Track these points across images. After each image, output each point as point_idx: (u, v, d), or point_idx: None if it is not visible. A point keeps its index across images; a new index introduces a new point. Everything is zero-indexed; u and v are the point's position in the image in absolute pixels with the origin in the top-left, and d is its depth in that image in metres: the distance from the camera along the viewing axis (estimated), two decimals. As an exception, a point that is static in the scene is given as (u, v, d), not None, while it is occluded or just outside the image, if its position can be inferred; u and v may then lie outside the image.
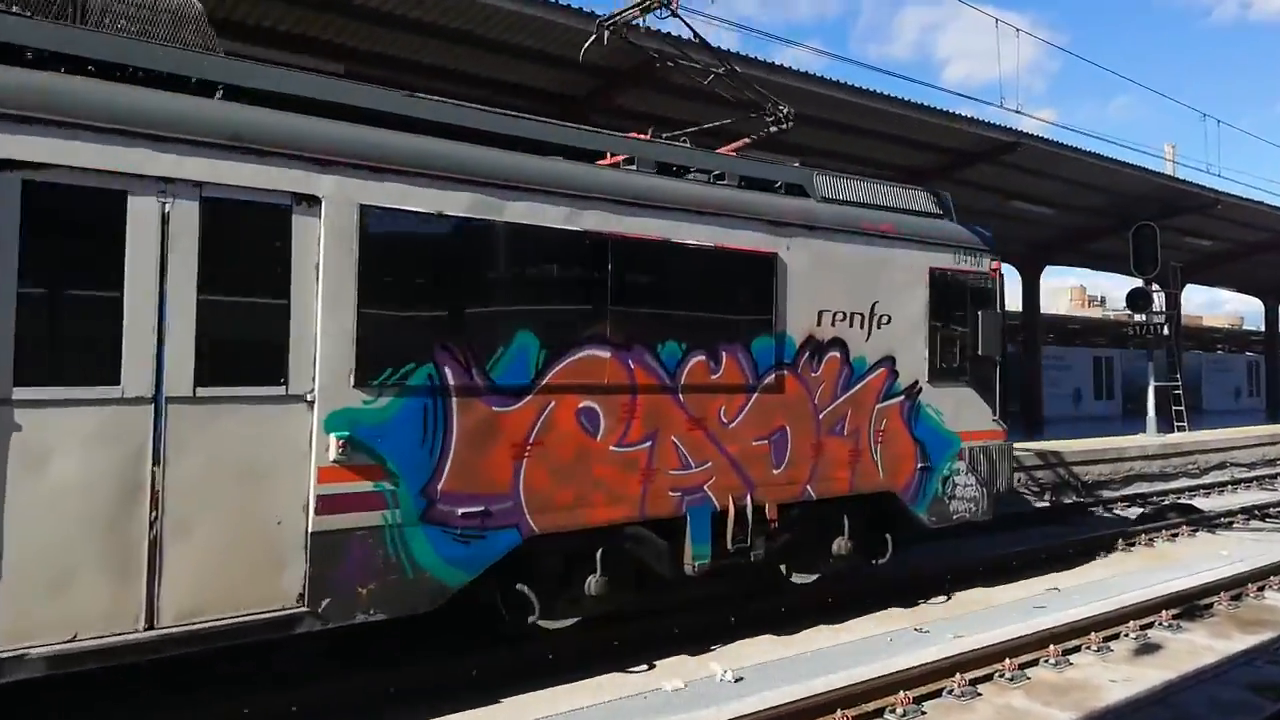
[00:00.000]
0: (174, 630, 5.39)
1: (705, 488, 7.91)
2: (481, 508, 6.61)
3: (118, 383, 5.27)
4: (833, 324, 8.86)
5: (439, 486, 6.42)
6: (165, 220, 5.42)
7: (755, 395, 8.24)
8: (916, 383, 9.58)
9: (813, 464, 8.68)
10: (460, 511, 6.51)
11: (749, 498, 8.18)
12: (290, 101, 6.15)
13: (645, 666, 7.61)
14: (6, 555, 4.89)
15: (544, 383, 6.92)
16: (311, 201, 5.92)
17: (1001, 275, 10.51)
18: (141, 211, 5.35)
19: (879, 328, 9.27)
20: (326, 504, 5.94)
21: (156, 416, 5.37)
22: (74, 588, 5.08)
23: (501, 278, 6.76)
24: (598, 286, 7.22)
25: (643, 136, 8.63)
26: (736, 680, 7.29)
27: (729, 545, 8.03)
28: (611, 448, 7.31)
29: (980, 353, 10.07)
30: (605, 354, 7.25)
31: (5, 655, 4.88)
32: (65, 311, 5.31)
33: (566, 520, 7.08)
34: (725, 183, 8.41)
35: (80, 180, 5.17)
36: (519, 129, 7.32)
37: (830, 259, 8.86)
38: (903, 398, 9.46)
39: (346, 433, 6.01)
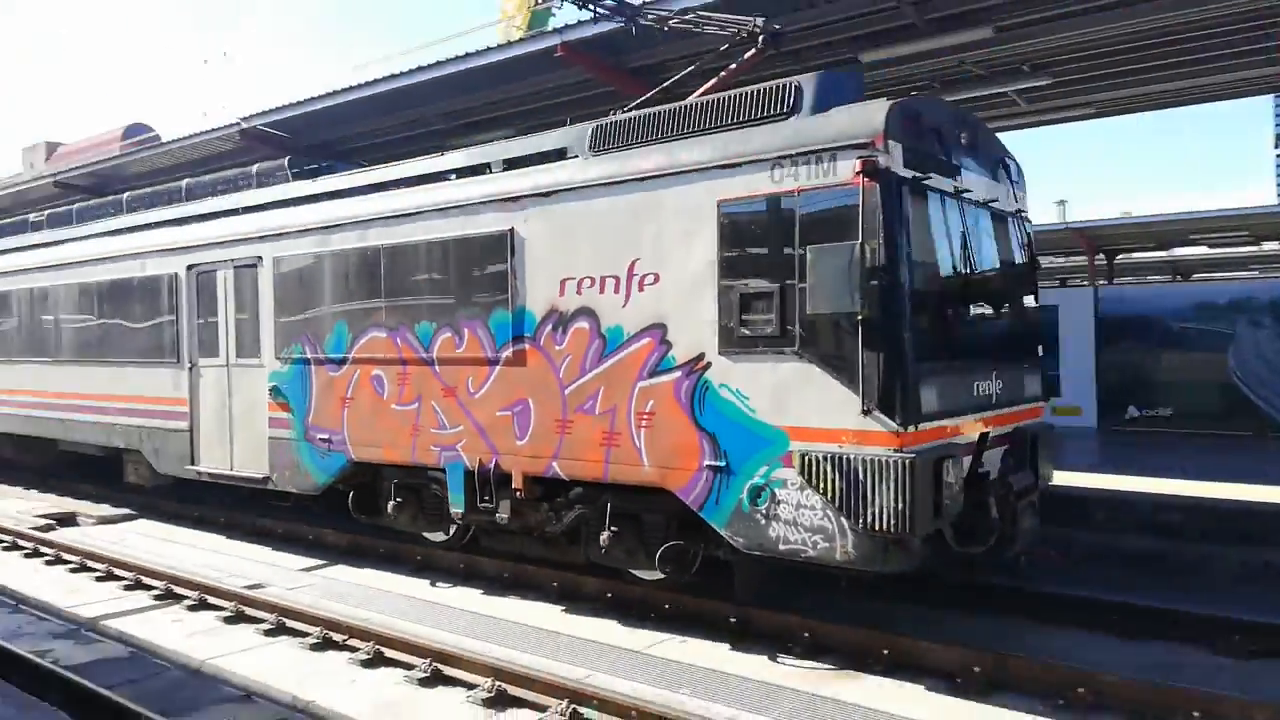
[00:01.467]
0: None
1: (458, 447, 9.06)
2: (328, 437, 10.29)
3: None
4: (578, 292, 8.12)
5: (309, 420, 10.48)
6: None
7: (498, 368, 8.72)
8: (701, 356, 7.36)
9: (558, 440, 8.28)
10: (319, 437, 10.39)
11: (494, 463, 8.77)
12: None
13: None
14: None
15: (352, 356, 9.97)
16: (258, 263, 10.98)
17: (877, 181, 6.39)
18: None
19: (641, 290, 7.71)
20: (271, 423, 10.95)
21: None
22: (207, 446, 11.83)
23: (328, 288, 10.18)
24: (378, 284, 9.68)
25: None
26: None
27: (478, 503, 8.91)
28: (393, 406, 9.63)
29: (810, 310, 6.67)
30: (383, 334, 9.65)
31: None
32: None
33: (370, 455, 9.89)
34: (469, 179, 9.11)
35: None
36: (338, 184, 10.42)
37: (581, 220, 8.13)
38: (679, 374, 7.49)
39: (274, 384, 10.87)
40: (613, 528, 8.08)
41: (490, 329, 8.77)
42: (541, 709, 6.27)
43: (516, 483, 8.63)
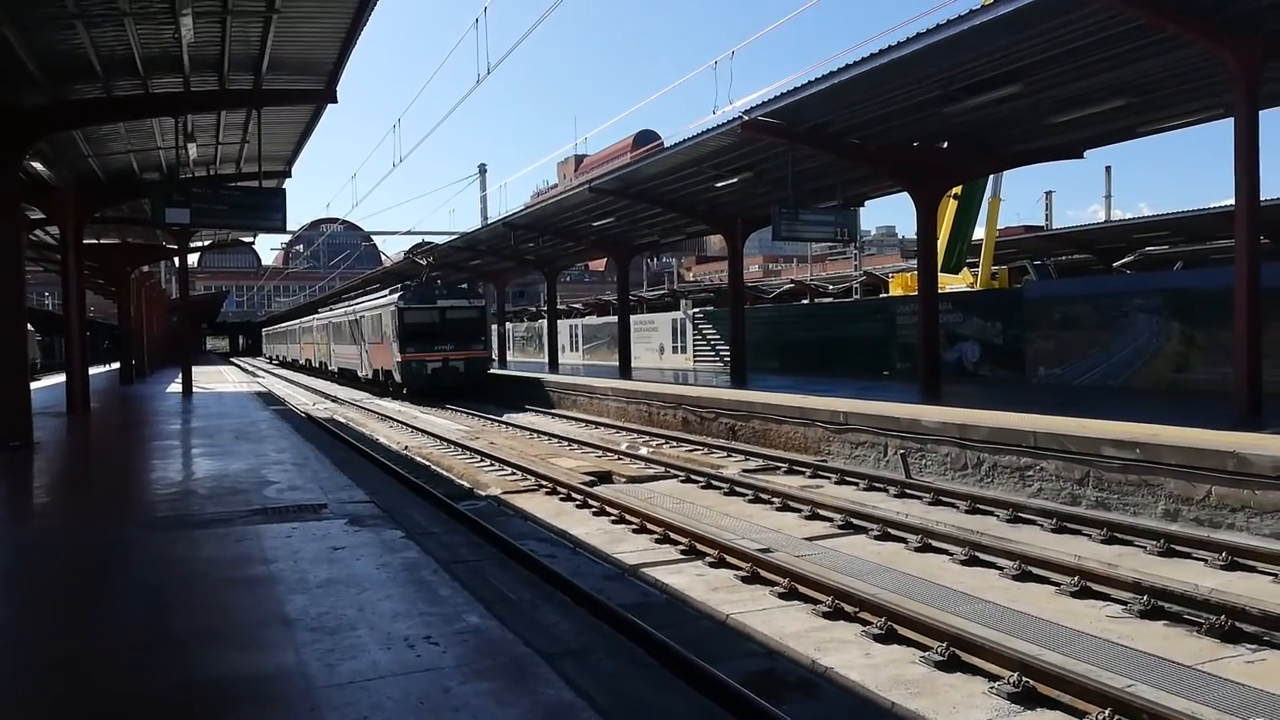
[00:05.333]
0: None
1: (380, 363, 37.97)
2: (368, 362, 39.84)
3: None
4: (385, 328, 36.52)
5: (369, 358, 40.08)
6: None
7: (381, 344, 37.32)
8: (393, 343, 35.40)
9: (383, 360, 36.77)
10: (370, 362, 39.94)
11: (381, 366, 37.61)
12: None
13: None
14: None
15: (371, 342, 39.32)
16: (363, 319, 40.90)
17: (398, 309, 34.16)
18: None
19: (386, 326, 36.02)
20: (369, 360, 40.90)
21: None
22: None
23: (369, 327, 39.58)
24: (375, 325, 38.92)
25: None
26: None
27: (379, 378, 37.85)
28: (377, 354, 38.82)
29: (395, 333, 34.56)
30: (376, 337, 38.89)
31: None
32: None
33: (377, 366, 39.19)
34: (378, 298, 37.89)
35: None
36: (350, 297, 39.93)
37: (385, 310, 36.45)
38: (386, 344, 35.58)
39: (366, 350, 40.84)
40: (387, 379, 36.70)
41: (381, 336, 37.42)
42: (1078, 714, 5.64)
43: (381, 369, 37.49)
